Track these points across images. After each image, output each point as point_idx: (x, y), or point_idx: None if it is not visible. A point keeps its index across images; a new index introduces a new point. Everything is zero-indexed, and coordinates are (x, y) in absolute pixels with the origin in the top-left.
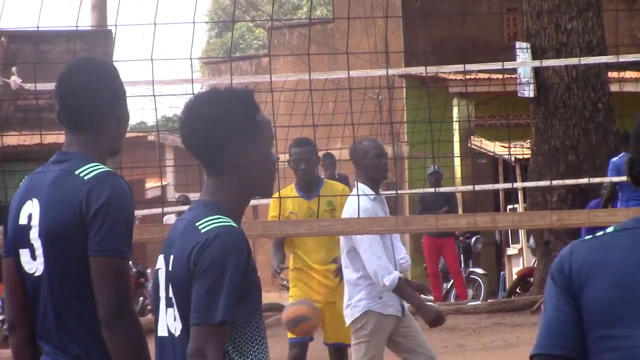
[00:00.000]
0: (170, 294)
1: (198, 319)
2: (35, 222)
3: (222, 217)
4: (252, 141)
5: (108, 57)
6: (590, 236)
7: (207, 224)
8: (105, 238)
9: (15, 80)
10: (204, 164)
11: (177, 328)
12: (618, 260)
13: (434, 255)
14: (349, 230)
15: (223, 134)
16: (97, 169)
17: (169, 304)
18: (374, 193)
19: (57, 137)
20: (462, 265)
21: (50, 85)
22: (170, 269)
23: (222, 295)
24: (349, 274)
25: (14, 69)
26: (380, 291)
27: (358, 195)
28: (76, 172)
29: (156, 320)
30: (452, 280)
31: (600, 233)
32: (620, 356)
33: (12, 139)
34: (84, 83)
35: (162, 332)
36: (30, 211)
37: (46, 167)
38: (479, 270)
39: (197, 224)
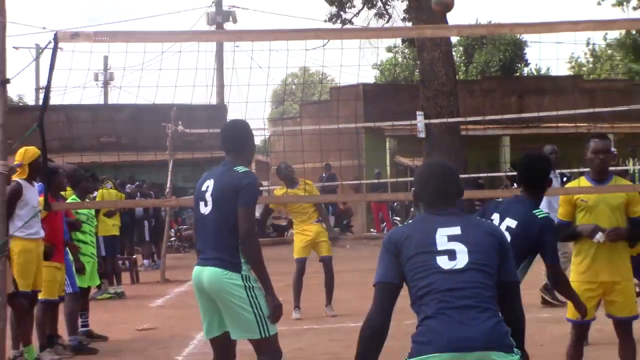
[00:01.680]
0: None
1: (517, 277)
2: (210, 189)
3: (542, 211)
4: None
5: None
6: (406, 223)
7: (540, 213)
8: (243, 198)
9: (181, 128)
10: (533, 185)
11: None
12: (417, 232)
13: None
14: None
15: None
16: (244, 168)
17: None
18: None
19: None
20: None
21: (197, 130)
22: (509, 229)
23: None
24: None
25: (180, 122)
26: None
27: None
28: (234, 169)
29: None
30: None
31: (410, 221)
32: (420, 268)
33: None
34: (237, 130)
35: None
36: (208, 184)
37: (218, 167)
38: None
39: (534, 211)
